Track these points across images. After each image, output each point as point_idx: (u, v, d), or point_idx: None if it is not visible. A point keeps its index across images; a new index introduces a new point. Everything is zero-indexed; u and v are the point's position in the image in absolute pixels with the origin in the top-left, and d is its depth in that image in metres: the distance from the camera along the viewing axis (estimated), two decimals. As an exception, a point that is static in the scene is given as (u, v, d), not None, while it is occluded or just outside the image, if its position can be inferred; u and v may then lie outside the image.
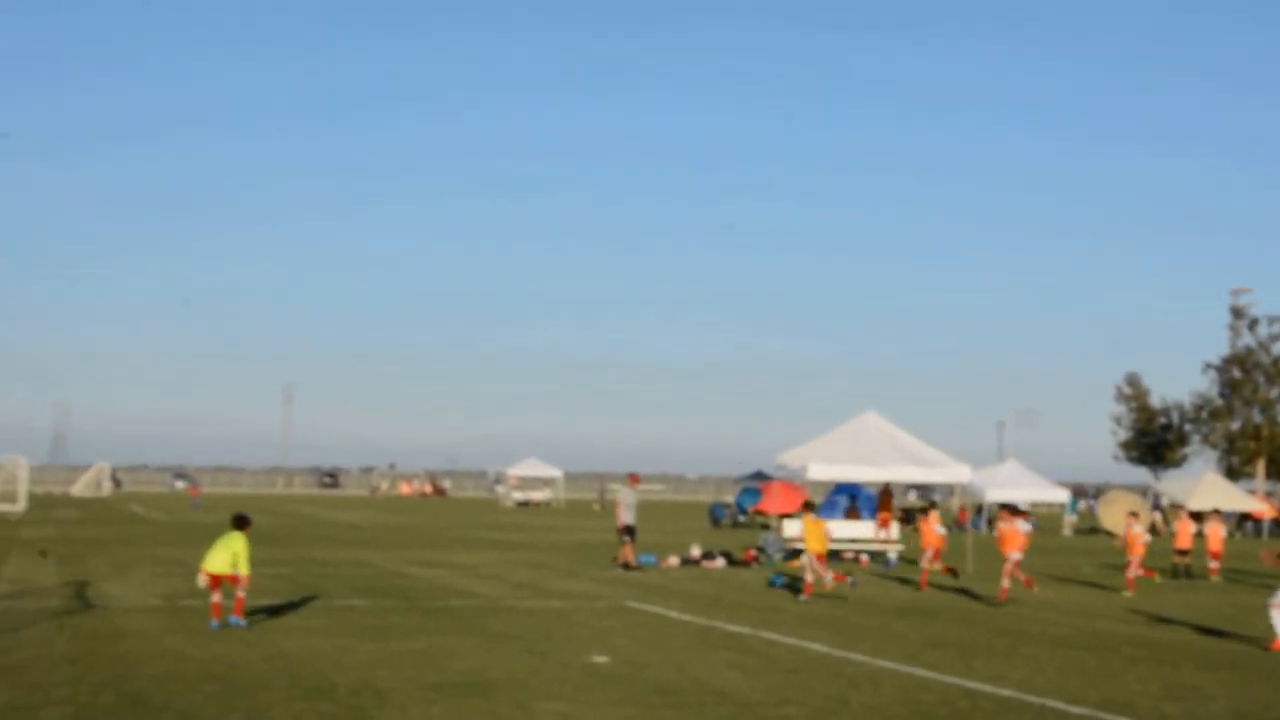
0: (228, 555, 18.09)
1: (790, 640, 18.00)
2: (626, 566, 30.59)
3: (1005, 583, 24.36)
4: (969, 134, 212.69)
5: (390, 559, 33.01)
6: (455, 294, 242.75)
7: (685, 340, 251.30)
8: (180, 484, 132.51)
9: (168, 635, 17.08)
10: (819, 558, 24.57)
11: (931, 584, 27.19)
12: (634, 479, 32.89)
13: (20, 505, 63.61)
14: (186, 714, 11.81)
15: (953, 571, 28.05)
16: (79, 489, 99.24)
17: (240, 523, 18.61)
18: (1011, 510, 26.40)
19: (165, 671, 14.10)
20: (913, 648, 17.59)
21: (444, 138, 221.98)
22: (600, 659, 15.80)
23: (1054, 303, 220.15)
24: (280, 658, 15.33)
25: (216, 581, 18.06)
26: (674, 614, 21.26)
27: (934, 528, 27.88)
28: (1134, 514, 29.89)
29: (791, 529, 34.79)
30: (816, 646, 17.44)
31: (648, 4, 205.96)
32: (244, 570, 18.12)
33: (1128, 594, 26.64)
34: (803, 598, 23.97)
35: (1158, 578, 28.28)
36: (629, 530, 30.96)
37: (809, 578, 24.43)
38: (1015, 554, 24.64)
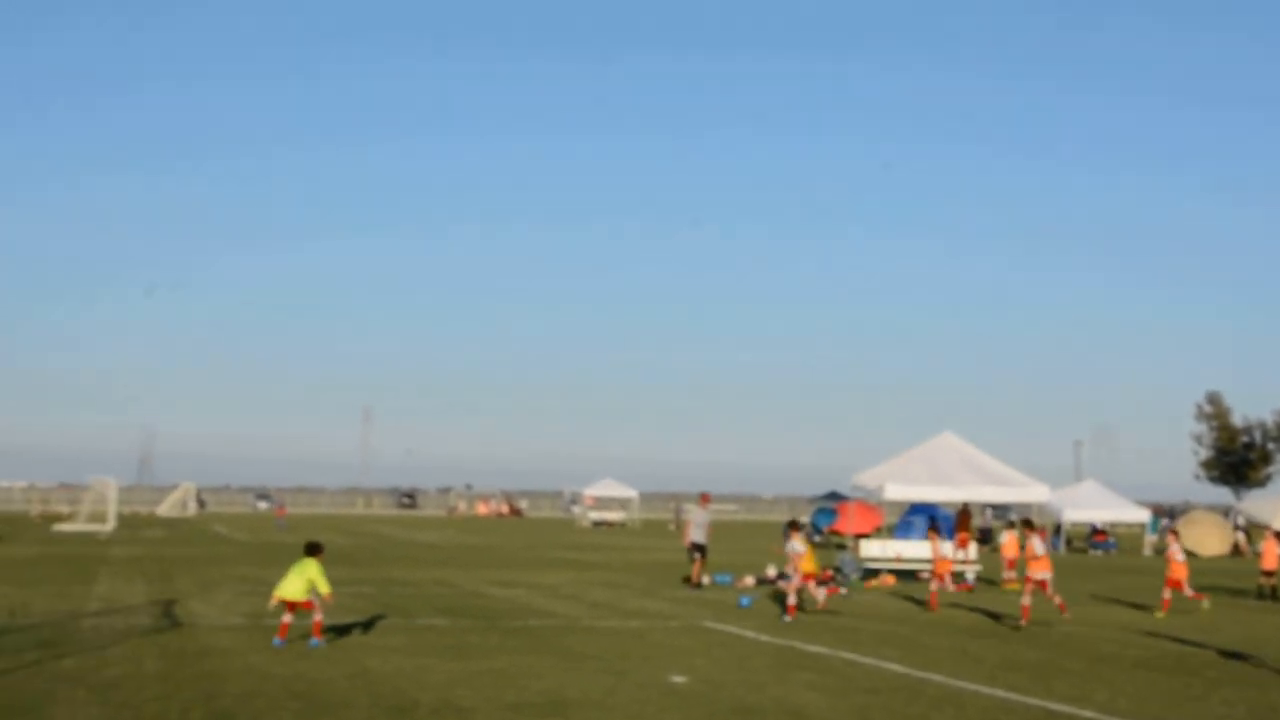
0: (303, 582, 18.43)
1: (868, 660, 17.95)
2: (691, 584, 30.62)
3: (1025, 600, 23.71)
4: (1039, 155, 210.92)
5: (469, 578, 33.25)
6: (531, 316, 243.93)
7: (761, 359, 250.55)
8: (262, 504, 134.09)
9: (252, 653, 17.35)
10: (809, 578, 24.75)
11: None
12: (704, 498, 32.87)
13: (109, 525, 64.81)
14: (273, 731, 12.02)
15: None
16: (165, 509, 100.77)
17: (313, 550, 18.96)
18: (1029, 526, 25.62)
19: (250, 689, 14.35)
20: (990, 669, 17.47)
21: (516, 160, 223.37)
22: (679, 679, 15.85)
23: (1132, 320, 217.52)
24: (362, 676, 15.54)
25: (292, 607, 18.43)
26: (751, 634, 21.26)
27: (938, 546, 27.50)
28: (1174, 532, 29.33)
29: (868, 549, 34.67)
30: (894, 667, 17.38)
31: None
32: (324, 589, 18.44)
33: (1159, 614, 26.15)
34: (786, 618, 23.74)
35: (1206, 603, 27.64)
36: (698, 549, 31.00)
37: (792, 599, 24.29)
38: (1041, 573, 23.81)
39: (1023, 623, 23.21)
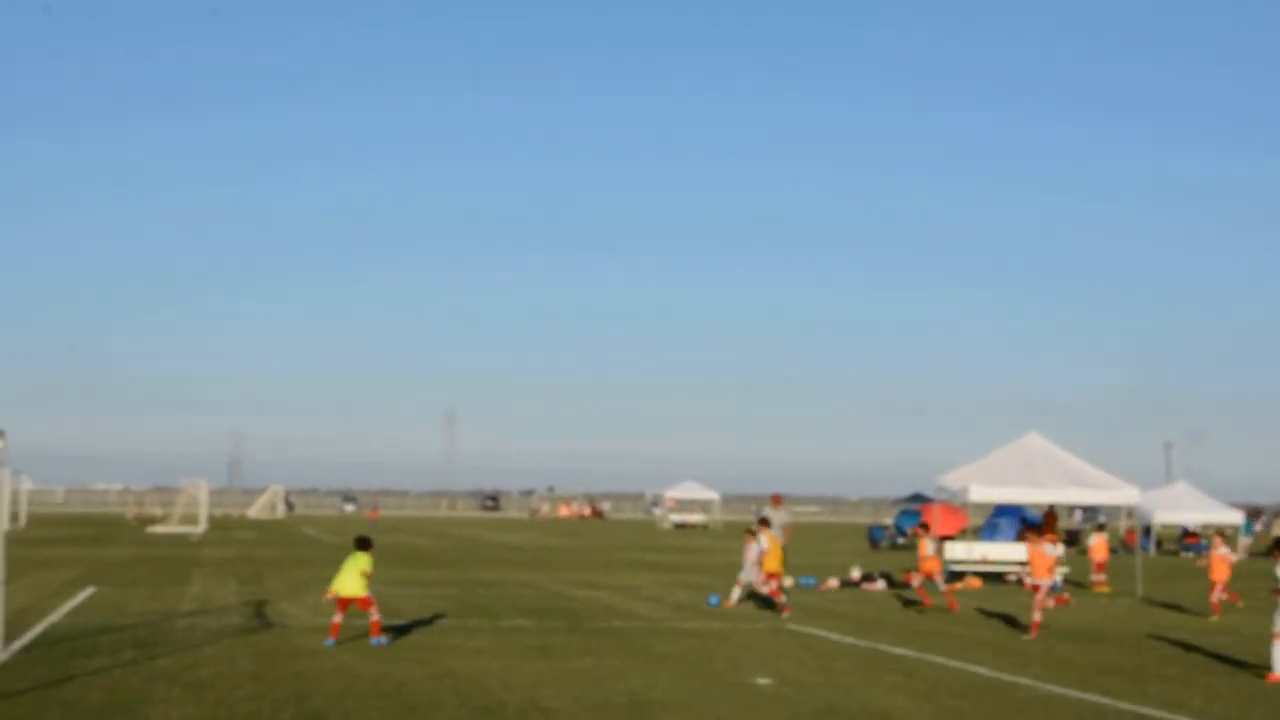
0: (357, 576, 18.60)
1: (956, 664, 17.81)
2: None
3: (1036, 615, 22.09)
4: (1135, 138, 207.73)
5: (552, 580, 33.42)
6: (612, 320, 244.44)
7: (846, 361, 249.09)
8: (349, 507, 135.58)
9: (342, 654, 17.56)
10: (775, 576, 24.93)
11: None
12: (776, 499, 32.57)
13: (201, 527, 65.89)
14: (363, 730, 12.18)
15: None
16: (255, 511, 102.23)
17: (364, 544, 19.12)
18: (1037, 531, 24.71)
19: (340, 689, 14.53)
20: (1082, 673, 17.26)
21: (591, 175, 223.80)
22: (763, 681, 15.83)
23: (1222, 319, 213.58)
24: (449, 677, 15.68)
25: (344, 604, 18.61)
26: (836, 636, 21.17)
27: (926, 549, 26.77)
28: (1220, 534, 28.73)
29: (953, 551, 34.37)
30: (983, 670, 17.23)
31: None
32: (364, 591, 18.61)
33: (1214, 618, 25.66)
34: (785, 615, 24.08)
35: (1240, 603, 27.07)
36: None
37: (783, 598, 24.75)
38: (1045, 581, 22.55)
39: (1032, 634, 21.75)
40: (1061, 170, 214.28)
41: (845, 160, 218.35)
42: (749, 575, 26.01)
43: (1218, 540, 27.83)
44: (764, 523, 26.44)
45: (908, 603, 27.53)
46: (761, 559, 25.09)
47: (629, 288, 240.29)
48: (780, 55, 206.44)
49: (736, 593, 26.29)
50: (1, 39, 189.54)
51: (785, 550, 30.93)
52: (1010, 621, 24.04)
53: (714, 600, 26.84)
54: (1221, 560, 26.87)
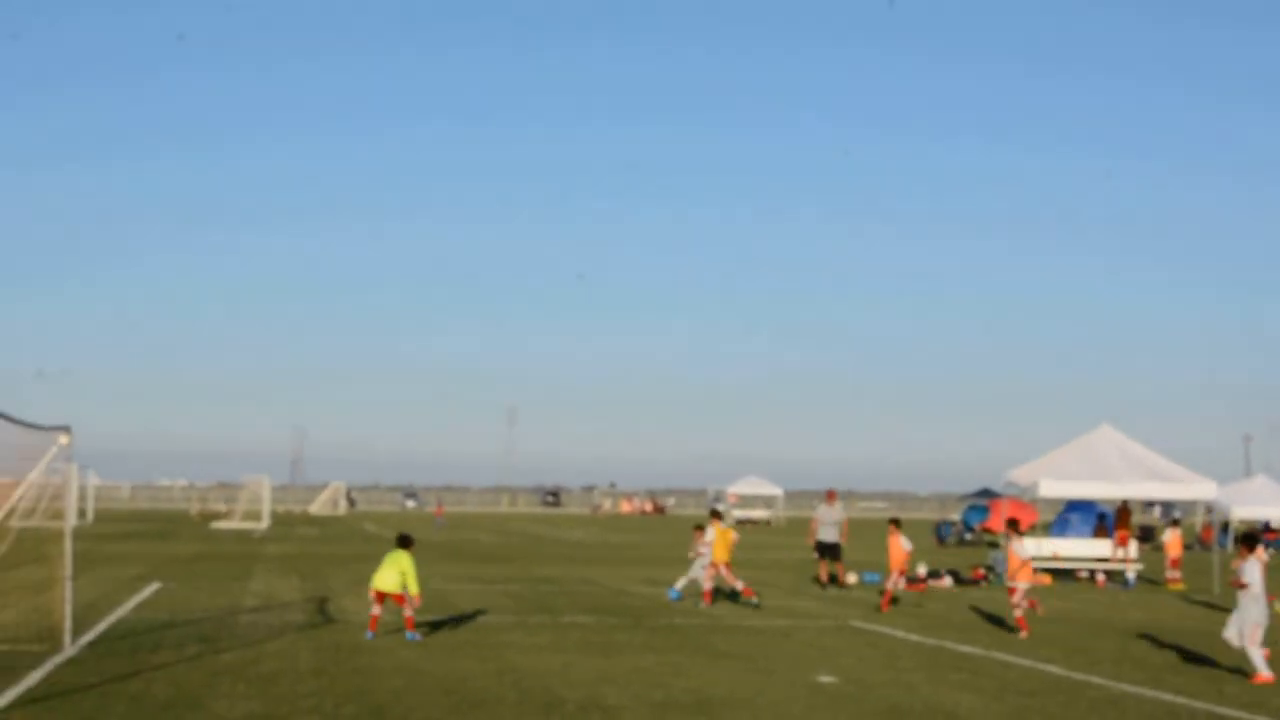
0: (395, 573, 18.68)
1: (1025, 662, 17.52)
2: (824, 583, 30.31)
3: (1017, 613, 21.27)
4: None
5: (614, 576, 33.33)
6: (674, 314, 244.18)
7: (911, 354, 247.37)
8: (410, 503, 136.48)
9: (403, 650, 17.56)
10: (726, 567, 25.10)
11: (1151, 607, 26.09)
12: (831, 495, 32.22)
13: (264, 523, 66.49)
14: (425, 727, 12.13)
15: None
16: (316, 508, 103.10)
17: (405, 542, 19.21)
18: (1016, 529, 23.41)
19: (403, 685, 14.50)
20: (1154, 671, 16.93)
21: (686, 148, 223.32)
22: (827, 679, 15.64)
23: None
24: (510, 673, 15.61)
25: (382, 598, 18.73)
26: (901, 634, 20.92)
27: (900, 544, 25.41)
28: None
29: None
30: (1052, 669, 16.93)
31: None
32: (414, 590, 18.69)
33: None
34: (703, 604, 24.42)
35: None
36: (827, 548, 30.55)
37: (708, 585, 24.96)
38: (1022, 583, 21.55)
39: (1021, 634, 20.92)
40: (1153, 146, 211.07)
41: (898, 125, 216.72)
42: (698, 570, 25.78)
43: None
44: (715, 515, 26.46)
45: (998, 622, 27.15)
46: (709, 548, 25.18)
47: (691, 281, 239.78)
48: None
49: (683, 581, 26.22)
50: None
51: (840, 548, 30.78)
52: (1078, 620, 23.66)
53: (674, 594, 26.32)
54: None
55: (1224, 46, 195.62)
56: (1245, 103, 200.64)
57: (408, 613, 18.75)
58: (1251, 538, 17.03)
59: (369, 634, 18.61)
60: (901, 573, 25.77)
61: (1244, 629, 16.27)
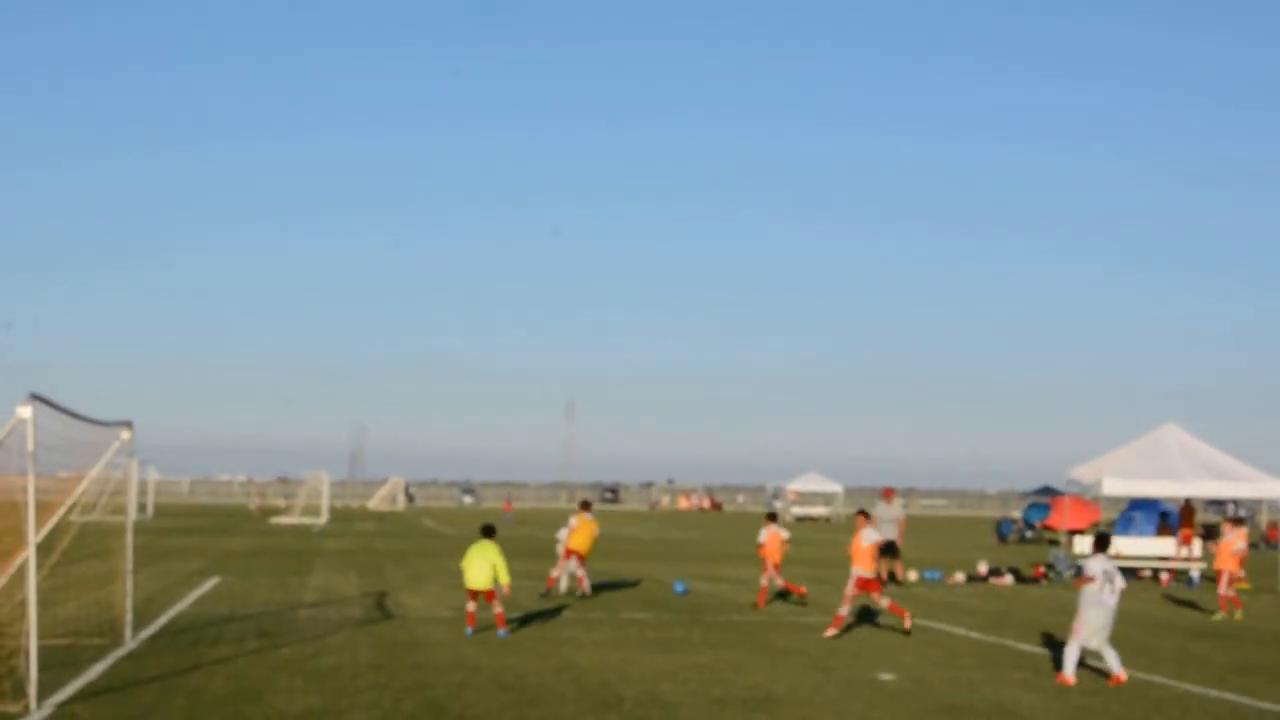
0: (487, 567, 18.63)
1: (1087, 661, 17.30)
2: (882, 581, 30.10)
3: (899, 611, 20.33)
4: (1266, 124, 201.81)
5: (672, 573, 33.25)
6: (734, 310, 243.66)
7: (973, 351, 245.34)
8: (468, 498, 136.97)
9: (462, 645, 17.60)
10: (580, 557, 25.43)
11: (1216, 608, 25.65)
12: (888, 493, 31.95)
13: (323, 518, 66.96)
14: (482, 722, 12.13)
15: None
16: (375, 503, 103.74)
17: (489, 532, 19.25)
18: (865, 515, 21.94)
19: (461, 680, 14.53)
20: (1219, 671, 16.68)
21: (721, 150, 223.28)
22: (886, 676, 15.53)
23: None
24: (569, 669, 15.60)
25: (474, 595, 18.81)
26: (961, 632, 20.75)
27: (773, 541, 24.70)
28: (1237, 521, 27.24)
29: (1083, 545, 33.57)
30: (1115, 668, 16.71)
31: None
32: (505, 579, 18.66)
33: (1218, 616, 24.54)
34: (579, 591, 25.27)
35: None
36: (885, 546, 30.26)
37: (555, 572, 25.90)
38: (857, 570, 20.46)
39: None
40: (1206, 156, 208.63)
41: (945, 129, 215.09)
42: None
43: (1227, 527, 26.58)
44: (584, 505, 26.77)
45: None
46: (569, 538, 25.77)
47: (748, 275, 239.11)
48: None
49: (559, 573, 26.35)
50: None
51: (898, 546, 30.53)
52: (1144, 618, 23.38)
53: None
54: (1224, 549, 25.57)
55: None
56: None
57: (498, 609, 18.79)
58: None
59: (468, 630, 18.73)
60: (777, 567, 24.78)
61: None
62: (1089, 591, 15.46)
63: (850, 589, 20.11)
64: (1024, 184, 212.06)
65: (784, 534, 25.11)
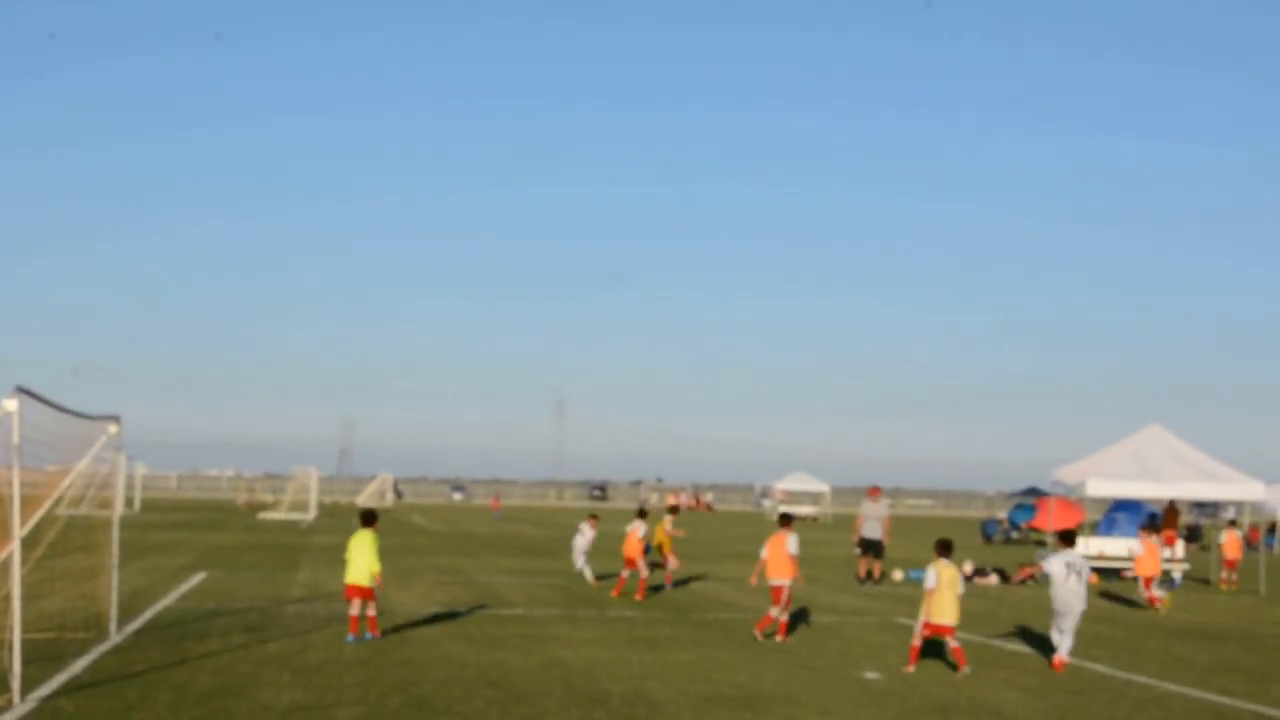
0: (365, 562, 17.71)
1: (1071, 660, 17.37)
2: (861, 579, 30.23)
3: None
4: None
5: (660, 571, 33.24)
6: (722, 309, 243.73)
7: (959, 352, 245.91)
8: (457, 495, 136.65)
9: (449, 642, 17.62)
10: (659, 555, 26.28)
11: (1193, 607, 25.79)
12: (874, 492, 32.05)
13: (311, 514, 66.81)
14: (468, 718, 12.15)
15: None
16: (364, 499, 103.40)
17: (370, 519, 18.46)
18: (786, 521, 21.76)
19: (447, 676, 14.55)
20: (1200, 672, 16.77)
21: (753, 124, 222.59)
22: (872, 675, 15.58)
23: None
24: (556, 666, 15.63)
25: (355, 593, 17.79)
26: (947, 631, 20.78)
27: (636, 538, 25.69)
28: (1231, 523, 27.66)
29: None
30: (1098, 668, 16.81)
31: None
32: (375, 568, 17.74)
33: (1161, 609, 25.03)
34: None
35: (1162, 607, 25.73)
36: (870, 545, 30.45)
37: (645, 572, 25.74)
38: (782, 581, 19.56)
39: None
40: (1205, 135, 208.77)
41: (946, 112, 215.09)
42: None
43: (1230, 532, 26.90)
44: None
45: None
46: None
47: (737, 278, 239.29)
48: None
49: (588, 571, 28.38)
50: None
51: (882, 545, 30.64)
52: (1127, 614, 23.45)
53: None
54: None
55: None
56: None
57: (371, 611, 17.83)
58: None
59: (349, 637, 17.67)
60: (632, 564, 25.69)
61: None
62: (1055, 583, 16.80)
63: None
64: (1010, 174, 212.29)
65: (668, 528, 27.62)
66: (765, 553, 19.18)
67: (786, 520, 19.68)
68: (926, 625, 16.24)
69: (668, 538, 27.65)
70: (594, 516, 29.54)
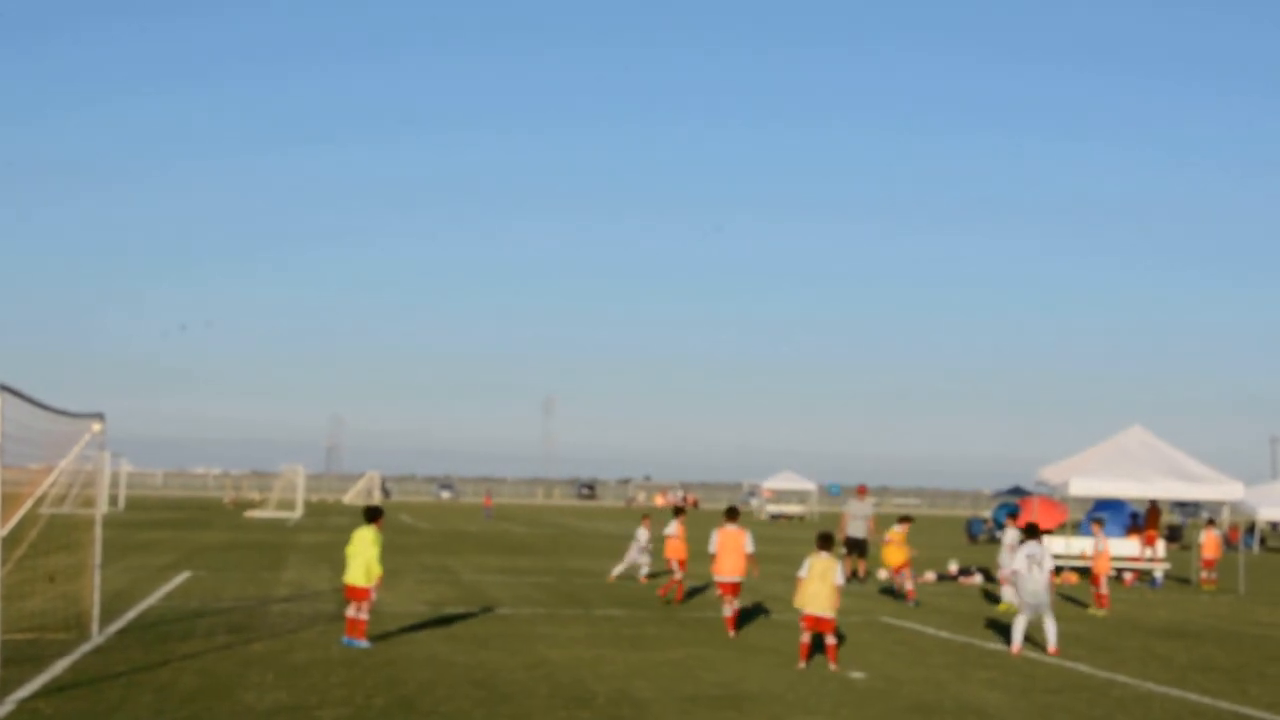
0: (364, 560, 17.34)
1: (1053, 660, 17.47)
2: (846, 578, 30.36)
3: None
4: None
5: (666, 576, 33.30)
6: (712, 309, 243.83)
7: (945, 353, 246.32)
8: (445, 494, 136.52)
9: (435, 642, 17.63)
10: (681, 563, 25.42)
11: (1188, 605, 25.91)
12: (861, 490, 32.14)
13: (298, 512, 66.74)
14: (454, 718, 12.17)
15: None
16: (351, 497, 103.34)
17: (374, 515, 18.16)
18: (732, 514, 20.90)
19: (432, 677, 14.55)
20: (1180, 671, 16.87)
21: (688, 152, 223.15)
22: (857, 675, 15.63)
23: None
24: (541, 665, 15.65)
25: (352, 593, 17.44)
26: (931, 631, 20.88)
27: (681, 538, 25.69)
28: (1155, 511, 27.79)
29: (1052, 545, 33.77)
30: (1080, 667, 16.89)
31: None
32: (376, 571, 17.43)
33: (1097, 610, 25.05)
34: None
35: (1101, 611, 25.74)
36: (855, 544, 30.53)
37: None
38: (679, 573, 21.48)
39: None
40: (1190, 145, 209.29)
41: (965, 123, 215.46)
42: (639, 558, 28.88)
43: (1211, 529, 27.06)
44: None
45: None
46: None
47: (728, 275, 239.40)
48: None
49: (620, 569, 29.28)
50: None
51: (867, 544, 30.76)
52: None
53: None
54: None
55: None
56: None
57: (363, 615, 17.32)
58: None
59: (344, 640, 17.50)
60: (682, 565, 25.74)
61: None
62: (1019, 576, 18.07)
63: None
64: (989, 183, 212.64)
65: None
66: (715, 547, 19.58)
67: (734, 514, 20.37)
68: (804, 618, 16.44)
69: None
70: (646, 516, 30.17)
